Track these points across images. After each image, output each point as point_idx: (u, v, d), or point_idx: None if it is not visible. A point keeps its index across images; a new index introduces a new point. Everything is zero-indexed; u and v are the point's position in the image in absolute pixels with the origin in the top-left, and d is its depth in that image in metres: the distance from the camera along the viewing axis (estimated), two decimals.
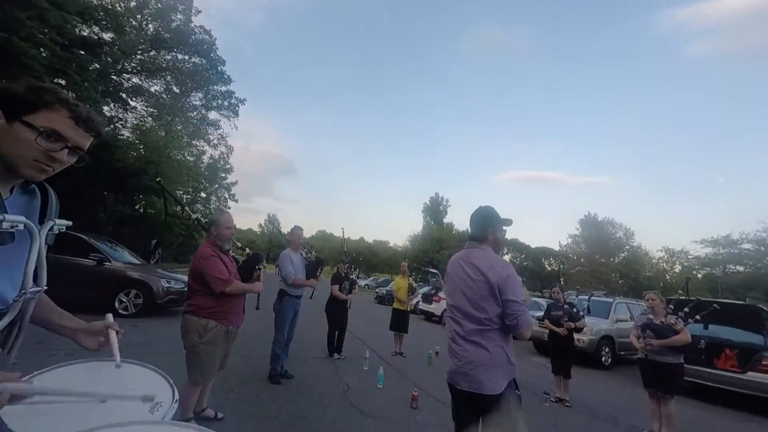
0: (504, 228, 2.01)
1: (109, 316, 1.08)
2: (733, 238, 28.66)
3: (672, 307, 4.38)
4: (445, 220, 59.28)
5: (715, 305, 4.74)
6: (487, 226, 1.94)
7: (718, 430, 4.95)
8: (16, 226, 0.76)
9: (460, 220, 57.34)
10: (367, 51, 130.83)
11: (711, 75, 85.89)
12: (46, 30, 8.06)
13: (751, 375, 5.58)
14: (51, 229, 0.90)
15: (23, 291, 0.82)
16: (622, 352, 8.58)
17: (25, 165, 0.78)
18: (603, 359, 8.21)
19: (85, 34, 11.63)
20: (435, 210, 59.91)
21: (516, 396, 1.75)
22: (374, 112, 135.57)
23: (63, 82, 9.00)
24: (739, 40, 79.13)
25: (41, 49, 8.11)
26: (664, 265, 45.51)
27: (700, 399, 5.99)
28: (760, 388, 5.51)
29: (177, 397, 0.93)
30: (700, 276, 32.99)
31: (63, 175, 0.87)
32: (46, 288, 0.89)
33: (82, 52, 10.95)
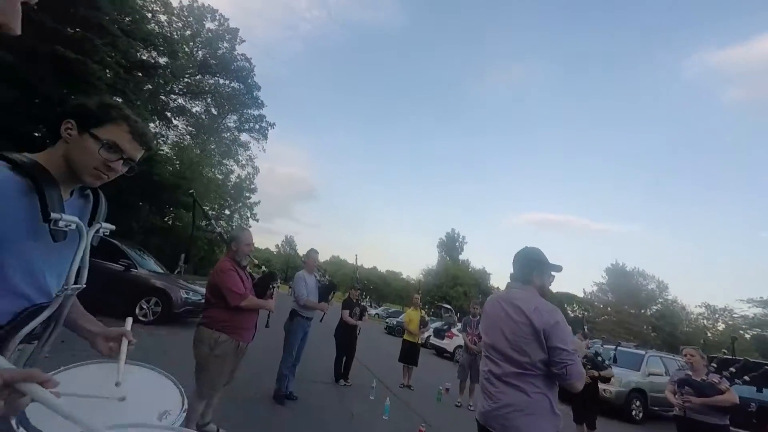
0: (553, 273, 1.88)
1: (128, 322, 1.09)
2: None
3: (715, 365, 4.11)
4: (461, 257, 58.28)
5: (767, 367, 4.40)
6: (533, 269, 1.82)
7: None
8: (70, 225, 0.83)
9: (476, 258, 56.16)
10: (393, 85, 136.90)
11: (753, 121, 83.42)
12: (113, 54, 9.10)
13: None
14: (97, 231, 0.98)
15: (65, 287, 0.89)
16: (655, 408, 8.12)
17: (87, 172, 0.87)
18: (633, 413, 7.85)
19: (144, 57, 12.94)
20: (451, 246, 59.16)
21: None
22: (396, 144, 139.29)
23: (120, 100, 9.96)
24: None
25: (107, 71, 9.12)
26: (705, 321, 42.76)
27: None
28: None
29: (186, 406, 0.94)
30: (748, 336, 30.97)
31: (108, 182, 0.94)
32: (85, 286, 0.95)
33: (139, 74, 12.15)
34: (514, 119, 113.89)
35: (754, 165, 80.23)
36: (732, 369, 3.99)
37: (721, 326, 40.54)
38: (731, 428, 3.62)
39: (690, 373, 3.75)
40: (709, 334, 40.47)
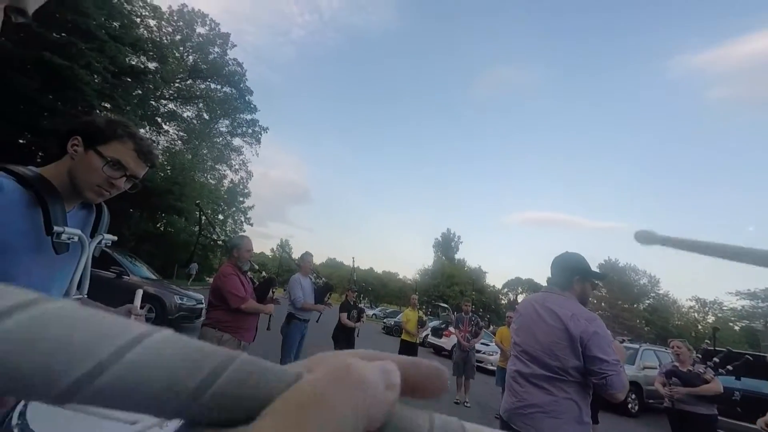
0: (597, 282, 1.83)
1: (138, 294, 1.10)
2: None
3: (700, 356, 4.20)
4: (457, 256, 58.57)
5: (748, 356, 4.50)
6: (574, 275, 1.77)
7: None
8: (73, 238, 0.85)
9: (471, 257, 56.49)
10: (386, 88, 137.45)
11: (737, 119, 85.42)
12: (101, 59, 9.01)
13: None
14: (99, 242, 1.00)
15: (68, 297, 0.91)
16: (650, 401, 8.30)
17: (89, 189, 0.88)
18: (629, 406, 8.00)
19: (134, 63, 12.82)
20: (446, 246, 59.45)
21: None
22: (389, 146, 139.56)
23: (109, 106, 9.85)
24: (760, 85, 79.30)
25: (95, 76, 9.02)
26: (696, 314, 43.60)
27: None
28: None
29: None
30: (737, 328, 31.67)
31: None
32: (86, 296, 0.98)
33: (128, 79, 12.03)
34: (506, 121, 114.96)
35: (743, 161, 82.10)
36: (715, 359, 4.08)
37: (711, 319, 41.45)
38: (718, 417, 3.70)
39: (677, 364, 3.86)
40: (700, 327, 41.30)
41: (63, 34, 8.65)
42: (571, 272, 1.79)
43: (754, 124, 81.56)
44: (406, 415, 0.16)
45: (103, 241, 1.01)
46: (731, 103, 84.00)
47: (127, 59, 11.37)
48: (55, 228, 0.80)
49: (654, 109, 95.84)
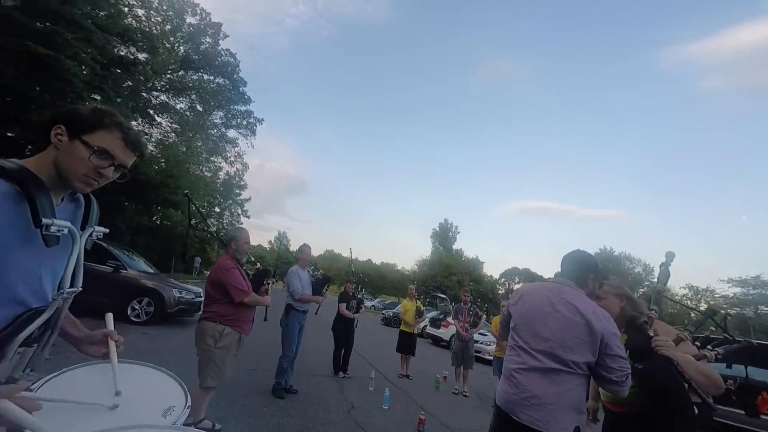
0: (603, 282, 1.89)
1: (109, 319, 1.06)
2: (765, 279, 28.12)
3: (699, 344, 4.25)
4: (454, 247, 58.82)
5: (742, 341, 4.56)
6: (590, 273, 1.81)
7: None
8: (62, 230, 0.83)
9: (469, 246, 56.87)
10: (382, 78, 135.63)
11: (733, 108, 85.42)
12: (89, 50, 8.75)
13: None
14: (90, 235, 0.98)
15: (61, 291, 0.89)
16: None
17: (76, 178, 0.86)
18: None
19: (123, 53, 12.50)
20: (444, 236, 59.65)
21: None
22: (386, 138, 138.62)
23: (98, 98, 9.62)
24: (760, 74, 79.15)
25: (83, 67, 8.76)
26: (689, 302, 44.25)
27: None
28: None
29: (189, 402, 0.93)
30: (731, 315, 32.65)
31: None
32: (81, 289, 0.95)
33: (118, 71, 11.74)
34: (502, 111, 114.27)
35: (735, 150, 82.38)
36: (709, 347, 4.13)
37: (703, 306, 42.16)
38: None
39: None
40: (692, 315, 42.00)
41: (47, 24, 8.36)
42: (588, 270, 1.81)
43: (745, 113, 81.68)
44: None
45: (94, 233, 0.99)
46: (723, 92, 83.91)
47: (115, 50, 11.06)
48: (44, 220, 0.78)
49: (646, 98, 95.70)
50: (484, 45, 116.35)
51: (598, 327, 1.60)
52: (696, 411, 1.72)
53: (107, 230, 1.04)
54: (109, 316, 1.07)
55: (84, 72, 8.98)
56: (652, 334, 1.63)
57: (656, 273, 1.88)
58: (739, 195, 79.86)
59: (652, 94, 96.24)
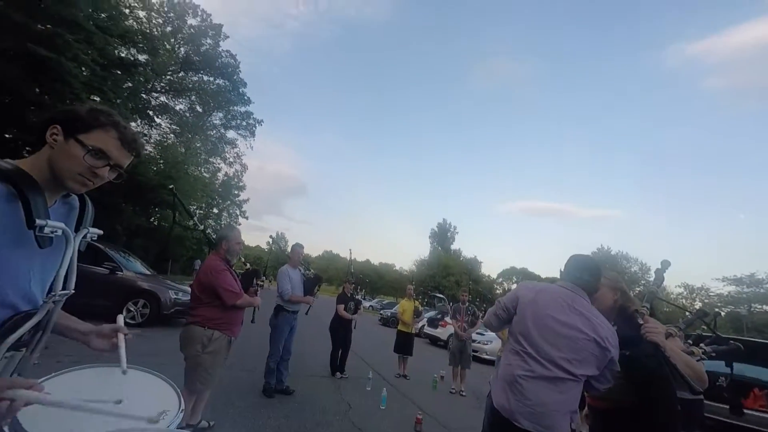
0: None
1: (120, 319, 1.09)
2: (759, 278, 28.21)
3: (690, 341, 4.29)
4: (453, 247, 58.87)
5: (731, 341, 4.62)
6: (598, 280, 1.80)
7: None
8: (56, 231, 0.82)
9: (467, 247, 56.93)
10: (381, 79, 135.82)
11: (734, 109, 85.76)
12: (89, 51, 8.76)
13: None
14: (85, 236, 0.97)
15: (53, 293, 0.87)
16: None
17: (70, 178, 0.84)
18: None
19: (123, 55, 12.52)
20: (442, 236, 59.72)
21: None
22: (385, 139, 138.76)
23: (98, 99, 9.62)
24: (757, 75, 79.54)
25: (83, 68, 8.77)
26: (684, 301, 44.40)
27: None
28: None
29: (183, 406, 0.94)
30: (723, 314, 32.75)
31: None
32: (73, 291, 0.93)
33: (118, 72, 11.74)
34: (502, 111, 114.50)
35: (735, 149, 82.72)
36: (701, 345, 4.17)
37: (698, 305, 42.41)
38: (704, 401, 3.77)
39: None
40: (687, 313, 42.20)
41: (48, 26, 8.38)
42: (598, 276, 1.82)
43: (747, 113, 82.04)
44: None
45: (89, 235, 0.98)
46: (726, 92, 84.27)
47: (116, 51, 11.08)
48: (38, 221, 0.76)
49: (648, 97, 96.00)
50: (485, 44, 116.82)
51: (611, 347, 1.65)
52: (679, 408, 1.75)
53: (101, 232, 1.03)
54: (120, 318, 1.10)
55: (84, 73, 9.00)
56: (641, 322, 1.63)
57: (653, 272, 1.90)
58: (735, 194, 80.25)
59: (655, 92, 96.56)
